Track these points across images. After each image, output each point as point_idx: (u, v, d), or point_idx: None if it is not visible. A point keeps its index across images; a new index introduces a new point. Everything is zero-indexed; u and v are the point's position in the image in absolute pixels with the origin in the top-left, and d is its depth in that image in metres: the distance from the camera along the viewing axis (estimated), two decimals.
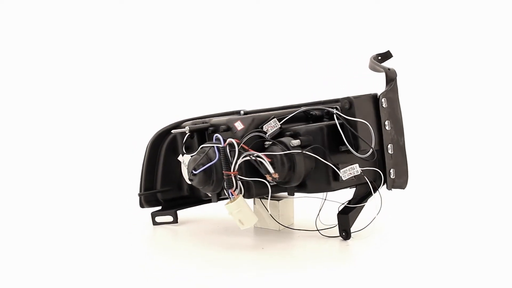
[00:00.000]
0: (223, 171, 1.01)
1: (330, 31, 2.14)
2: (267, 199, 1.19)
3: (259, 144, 1.05)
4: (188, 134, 1.15)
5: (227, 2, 2.13)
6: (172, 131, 1.17)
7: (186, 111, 1.32)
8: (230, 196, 1.02)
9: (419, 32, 2.15)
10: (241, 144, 1.02)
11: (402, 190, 1.15)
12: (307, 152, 1.00)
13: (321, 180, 1.03)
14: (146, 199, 1.27)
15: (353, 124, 1.02)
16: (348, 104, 1.03)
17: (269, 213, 1.12)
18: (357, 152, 1.02)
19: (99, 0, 2.11)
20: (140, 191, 1.26)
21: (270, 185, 1.05)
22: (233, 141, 1.00)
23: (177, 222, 1.24)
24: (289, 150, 1.01)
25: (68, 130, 2.06)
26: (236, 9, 2.15)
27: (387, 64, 1.19)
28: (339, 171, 1.02)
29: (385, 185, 1.12)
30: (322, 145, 1.03)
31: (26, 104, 2.09)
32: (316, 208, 1.14)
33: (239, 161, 0.99)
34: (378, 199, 1.09)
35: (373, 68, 1.17)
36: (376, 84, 1.16)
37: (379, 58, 1.20)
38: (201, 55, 2.14)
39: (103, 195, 1.60)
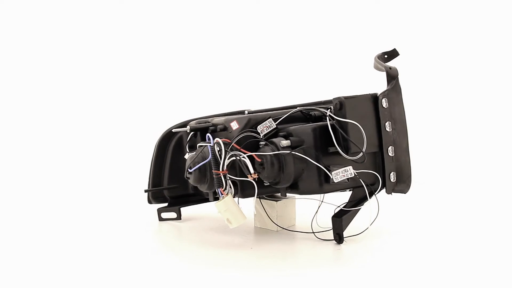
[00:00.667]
0: (213, 170, 1.03)
1: (338, 31, 2.11)
2: (266, 199, 1.21)
3: (254, 144, 1.05)
4: (192, 133, 1.18)
5: (237, 6, 2.15)
6: (173, 130, 1.20)
7: (195, 111, 1.35)
8: (220, 195, 1.03)
9: (423, 31, 2.09)
10: (232, 143, 1.03)
11: (403, 194, 1.11)
12: (295, 153, 0.99)
13: (313, 181, 1.01)
14: (154, 196, 1.31)
15: (344, 125, 0.99)
16: (339, 105, 1.00)
17: (255, 213, 1.11)
18: (347, 154, 0.99)
19: (113, 3, 2.19)
20: (148, 187, 1.31)
21: (265, 186, 1.06)
22: (220, 140, 1.01)
23: (180, 219, 1.27)
24: (279, 150, 1.01)
25: (83, 129, 2.13)
26: (246, 12, 2.16)
27: (392, 63, 1.15)
28: (330, 173, 0.99)
29: (384, 189, 1.09)
30: (314, 146, 1.01)
31: (40, 105, 2.17)
32: (319, 210, 1.12)
33: (226, 161, 1.00)
34: (378, 202, 1.06)
35: (376, 67, 1.13)
36: (384, 84, 1.12)
37: (385, 56, 1.16)
38: (211, 57, 2.16)
39: (116, 191, 1.65)
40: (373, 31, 2.05)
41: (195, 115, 1.28)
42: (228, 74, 2.13)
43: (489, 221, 1.25)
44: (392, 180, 1.07)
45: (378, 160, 1.07)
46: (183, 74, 2.14)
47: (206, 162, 1.04)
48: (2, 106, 2.14)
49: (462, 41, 2.11)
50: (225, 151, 1.00)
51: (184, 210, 1.29)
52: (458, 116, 2.09)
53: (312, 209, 1.16)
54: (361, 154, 0.98)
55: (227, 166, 1.02)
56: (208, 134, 1.04)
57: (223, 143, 1.03)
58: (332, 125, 0.99)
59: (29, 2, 2.14)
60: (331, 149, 0.99)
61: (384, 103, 1.05)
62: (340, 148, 0.98)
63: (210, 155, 1.03)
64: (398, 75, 1.07)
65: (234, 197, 1.04)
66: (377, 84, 1.14)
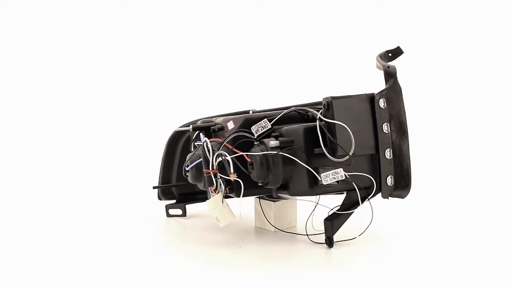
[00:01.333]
0: (203, 169, 1.04)
1: (347, 31, 2.08)
2: (265, 199, 1.20)
3: (248, 144, 1.05)
4: (197, 132, 1.21)
5: (246, 9, 2.16)
6: (176, 128, 1.24)
7: (205, 111, 1.37)
8: (210, 193, 1.05)
9: (425, 30, 2.06)
10: (224, 143, 1.04)
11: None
12: (282, 153, 0.98)
13: (302, 183, 1.00)
14: (163, 192, 1.35)
15: (332, 126, 0.97)
16: (326, 105, 0.97)
17: (239, 215, 1.08)
18: (334, 156, 0.96)
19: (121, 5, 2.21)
20: (158, 184, 1.35)
21: (259, 186, 1.06)
22: (208, 140, 1.02)
23: (185, 216, 1.30)
24: (268, 151, 1.00)
25: (102, 130, 2.15)
26: (253, 12, 2.17)
27: (395, 61, 1.10)
28: (319, 175, 0.97)
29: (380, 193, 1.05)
30: (305, 147, 0.99)
31: (52, 104, 2.19)
32: (321, 211, 1.10)
33: (214, 160, 1.02)
34: (372, 208, 1.02)
35: (378, 67, 1.09)
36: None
37: (390, 55, 1.12)
38: (221, 57, 2.17)
39: (130, 188, 1.67)
40: (382, 32, 2.01)
41: (205, 115, 1.31)
42: (237, 74, 2.14)
43: (491, 226, 1.20)
44: (389, 184, 1.03)
45: (375, 162, 1.03)
46: (195, 75, 2.17)
47: (199, 161, 1.06)
48: (9, 107, 2.18)
49: (464, 40, 2.06)
50: (213, 151, 1.02)
51: (192, 207, 1.32)
52: (461, 117, 2.03)
53: (316, 211, 1.14)
54: (347, 156, 0.95)
55: (219, 165, 1.04)
56: (201, 133, 1.07)
57: (217, 143, 1.05)
58: (320, 126, 0.97)
59: (29, 2, 2.18)
60: (317, 151, 0.97)
61: (382, 103, 1.02)
62: (326, 150, 0.96)
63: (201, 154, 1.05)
64: (396, 73, 1.02)
65: (226, 196, 1.05)
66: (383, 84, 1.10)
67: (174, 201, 1.34)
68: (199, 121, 1.26)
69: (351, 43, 2.06)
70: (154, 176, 1.34)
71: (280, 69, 2.13)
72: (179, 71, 2.21)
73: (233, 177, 0.98)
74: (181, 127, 1.30)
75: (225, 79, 2.16)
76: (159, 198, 1.36)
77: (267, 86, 2.10)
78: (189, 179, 1.13)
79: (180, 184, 1.32)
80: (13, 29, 2.21)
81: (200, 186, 1.13)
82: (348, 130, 0.96)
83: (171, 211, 1.33)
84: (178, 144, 1.33)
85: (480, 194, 1.49)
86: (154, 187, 1.33)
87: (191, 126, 1.18)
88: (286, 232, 1.15)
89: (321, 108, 1.04)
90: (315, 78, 2.02)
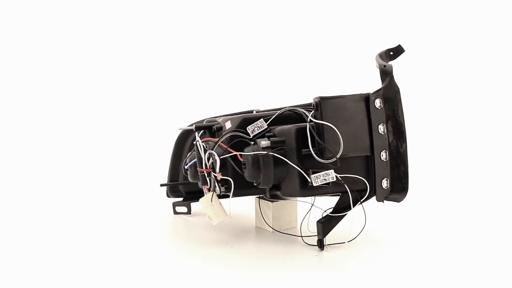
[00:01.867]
0: (197, 168, 1.06)
1: (352, 31, 2.05)
2: (264, 199, 1.20)
3: (244, 144, 1.05)
4: (201, 131, 1.22)
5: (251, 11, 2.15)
6: (178, 128, 1.26)
7: (209, 111, 1.38)
8: (205, 192, 1.06)
9: (424, 29, 2.02)
10: (219, 142, 1.05)
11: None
12: (272, 153, 0.97)
13: (293, 184, 0.99)
14: (172, 190, 1.37)
15: (320, 127, 0.95)
16: (315, 106, 0.96)
17: (228, 214, 1.08)
18: (322, 157, 0.94)
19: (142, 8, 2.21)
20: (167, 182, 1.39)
21: (254, 186, 1.06)
22: (199, 140, 1.03)
23: (190, 213, 1.33)
24: (259, 151, 1.00)
25: (101, 128, 2.15)
26: (254, 14, 2.16)
27: (395, 61, 1.06)
28: (309, 176, 0.96)
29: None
30: (296, 147, 0.98)
31: (53, 105, 2.17)
32: (321, 212, 1.08)
33: (206, 160, 1.03)
34: (365, 212, 1.00)
35: (377, 66, 1.06)
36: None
37: (391, 53, 1.08)
38: (229, 58, 2.16)
39: (130, 187, 1.67)
40: (385, 32, 1.98)
41: (208, 115, 1.33)
42: (243, 75, 2.13)
43: (488, 231, 1.16)
44: (384, 187, 1.00)
45: (370, 164, 1.00)
46: (198, 75, 2.17)
47: (194, 161, 1.08)
48: (9, 107, 2.17)
49: (464, 40, 2.02)
50: (205, 150, 1.03)
51: (198, 205, 1.33)
52: (462, 118, 1.98)
53: (317, 212, 1.13)
54: (334, 158, 0.93)
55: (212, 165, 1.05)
56: (196, 133, 1.08)
57: (214, 142, 1.06)
58: (310, 127, 0.96)
59: (29, 2, 2.18)
60: (304, 151, 0.95)
61: (378, 103, 0.99)
62: (314, 151, 0.94)
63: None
64: (392, 72, 0.99)
65: (220, 195, 1.06)
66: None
67: (181, 198, 1.38)
68: (205, 121, 1.29)
69: (355, 44, 2.02)
70: (153, 175, 1.36)
71: (285, 69, 2.11)
72: (181, 71, 2.21)
73: (219, 176, 0.99)
74: (188, 126, 1.33)
75: (229, 80, 2.16)
76: (168, 196, 1.39)
77: (273, 86, 2.08)
78: (189, 178, 1.15)
79: (185, 182, 1.34)
80: (13, 29, 2.21)
81: (199, 184, 1.15)
82: (336, 131, 0.94)
83: (178, 209, 1.35)
84: (186, 143, 1.36)
85: (478, 198, 1.43)
86: (161, 185, 1.36)
87: (194, 125, 1.20)
88: (283, 233, 1.15)
89: (307, 108, 1.03)
90: (320, 79, 1.99)
